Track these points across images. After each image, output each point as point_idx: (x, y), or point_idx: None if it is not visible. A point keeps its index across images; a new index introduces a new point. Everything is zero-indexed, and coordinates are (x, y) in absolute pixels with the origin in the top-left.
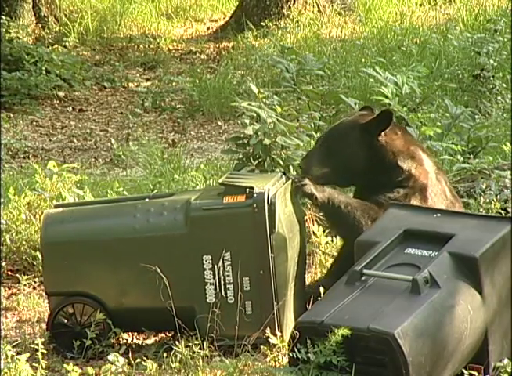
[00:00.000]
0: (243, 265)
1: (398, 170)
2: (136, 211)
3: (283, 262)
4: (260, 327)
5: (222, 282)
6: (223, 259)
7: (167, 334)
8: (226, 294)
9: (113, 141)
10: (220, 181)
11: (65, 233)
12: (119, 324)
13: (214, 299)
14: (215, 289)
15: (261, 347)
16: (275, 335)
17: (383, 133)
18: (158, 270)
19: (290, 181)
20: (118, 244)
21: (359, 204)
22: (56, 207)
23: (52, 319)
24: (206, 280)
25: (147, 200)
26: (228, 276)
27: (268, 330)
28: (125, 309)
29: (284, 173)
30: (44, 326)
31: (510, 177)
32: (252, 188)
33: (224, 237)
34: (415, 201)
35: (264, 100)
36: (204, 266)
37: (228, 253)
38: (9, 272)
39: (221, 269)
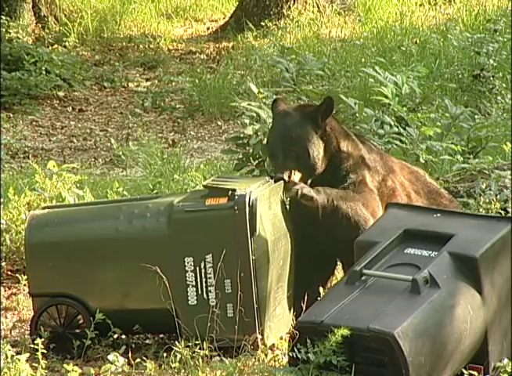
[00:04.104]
0: (225, 267)
1: (340, 154)
2: (120, 212)
3: (265, 265)
4: (241, 330)
5: (204, 284)
6: (205, 261)
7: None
8: (208, 296)
9: (112, 141)
10: (204, 183)
11: (49, 234)
12: (102, 325)
13: (195, 301)
14: (197, 291)
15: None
16: (256, 338)
17: (327, 120)
18: (141, 272)
19: (276, 184)
20: (101, 246)
21: (349, 194)
22: (44, 209)
23: (36, 320)
24: (188, 282)
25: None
26: (209, 278)
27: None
28: (108, 310)
29: (271, 176)
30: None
31: (510, 177)
32: (234, 190)
33: (205, 239)
34: (366, 172)
35: (264, 100)
36: (186, 268)
37: (210, 255)
38: (9, 272)
39: (203, 271)
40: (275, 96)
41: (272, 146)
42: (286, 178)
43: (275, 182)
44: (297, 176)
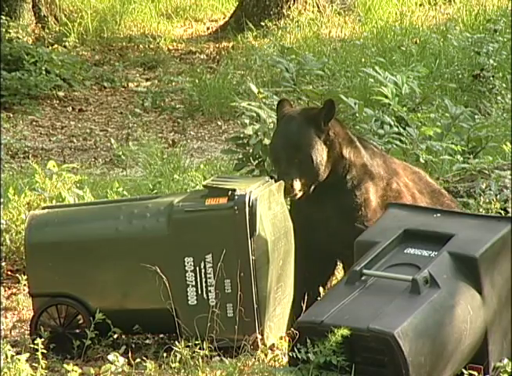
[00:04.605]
0: (225, 267)
1: (343, 160)
2: (120, 212)
3: (265, 265)
4: (241, 330)
5: (204, 284)
6: (205, 261)
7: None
8: (208, 296)
9: (112, 141)
10: (204, 183)
11: (49, 234)
12: (102, 325)
13: (195, 301)
14: (197, 291)
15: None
16: (256, 338)
17: (330, 124)
18: (141, 272)
19: (276, 184)
20: (101, 246)
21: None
22: (44, 209)
23: (36, 320)
24: (188, 282)
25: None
26: (209, 278)
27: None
28: (108, 310)
29: (272, 176)
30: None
31: (510, 177)
32: (234, 190)
33: (205, 239)
34: (370, 185)
35: (264, 100)
36: (186, 268)
37: (210, 255)
38: (9, 272)
39: (203, 271)
40: (275, 96)
41: (275, 152)
42: (288, 185)
43: (271, 178)
44: (298, 184)
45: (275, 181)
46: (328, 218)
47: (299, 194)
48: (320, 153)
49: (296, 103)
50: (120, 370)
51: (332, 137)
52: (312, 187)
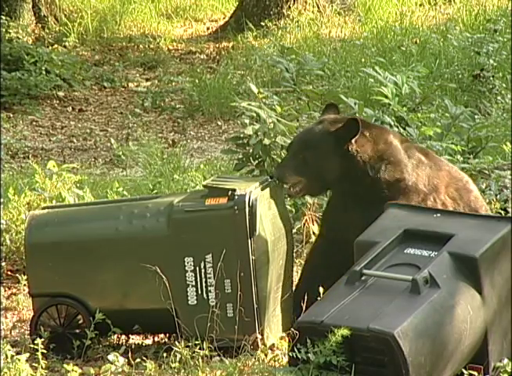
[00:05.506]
0: (225, 267)
1: (367, 177)
2: (120, 212)
3: (265, 265)
4: (241, 330)
5: (204, 284)
6: (205, 261)
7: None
8: (208, 296)
9: (112, 141)
10: (204, 183)
11: (49, 234)
12: (102, 325)
13: (195, 301)
14: (197, 291)
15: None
16: (256, 338)
17: (353, 141)
18: (141, 272)
19: (276, 184)
20: (101, 246)
21: None
22: (44, 209)
23: (36, 320)
24: (188, 282)
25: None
26: (209, 278)
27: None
28: (108, 310)
29: (271, 176)
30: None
31: (510, 177)
32: (234, 190)
33: (205, 239)
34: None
35: (264, 100)
36: (186, 268)
37: (210, 255)
38: (9, 272)
39: (203, 271)
40: (275, 96)
41: (289, 145)
42: (281, 177)
43: (271, 178)
44: (291, 177)
45: (270, 177)
46: (354, 228)
47: (289, 185)
48: (330, 162)
49: (296, 103)
50: (120, 370)
51: (353, 153)
52: (315, 190)
